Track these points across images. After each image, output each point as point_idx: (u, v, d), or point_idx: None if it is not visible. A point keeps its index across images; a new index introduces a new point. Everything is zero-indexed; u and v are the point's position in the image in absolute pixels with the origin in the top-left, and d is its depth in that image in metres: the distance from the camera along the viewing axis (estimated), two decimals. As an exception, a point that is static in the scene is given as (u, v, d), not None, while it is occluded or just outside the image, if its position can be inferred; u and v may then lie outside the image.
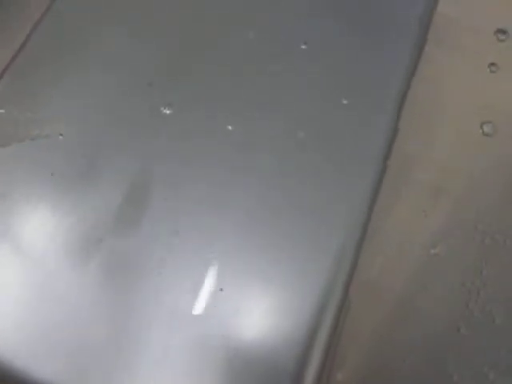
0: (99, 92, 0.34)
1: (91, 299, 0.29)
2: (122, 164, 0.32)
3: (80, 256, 0.30)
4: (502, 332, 0.25)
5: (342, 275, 0.29)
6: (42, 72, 0.35)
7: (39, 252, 0.30)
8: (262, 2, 0.37)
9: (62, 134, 0.33)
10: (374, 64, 0.35)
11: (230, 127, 0.33)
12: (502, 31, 0.37)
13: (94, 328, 0.28)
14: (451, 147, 0.34)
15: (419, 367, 0.27)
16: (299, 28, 0.36)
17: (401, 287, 0.30)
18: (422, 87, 0.35)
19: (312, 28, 0.36)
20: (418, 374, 0.26)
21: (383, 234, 0.31)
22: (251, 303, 0.29)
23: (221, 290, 0.29)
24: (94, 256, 0.30)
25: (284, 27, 0.36)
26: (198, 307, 0.28)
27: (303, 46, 0.35)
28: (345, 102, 0.34)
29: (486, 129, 0.34)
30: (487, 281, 0.27)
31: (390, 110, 0.34)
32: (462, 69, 0.36)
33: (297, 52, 0.35)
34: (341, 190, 0.31)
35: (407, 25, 0.36)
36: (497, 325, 0.26)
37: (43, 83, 0.34)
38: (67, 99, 0.34)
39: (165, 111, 0.34)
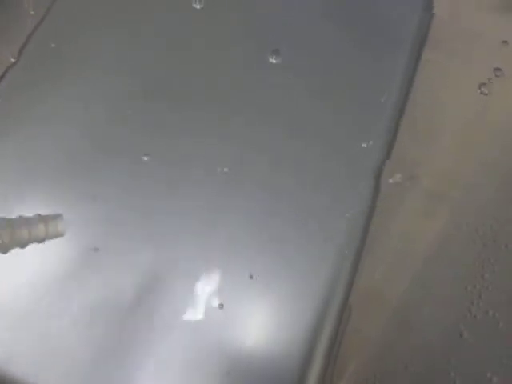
0: (99, 95, 0.35)
1: (90, 312, 0.29)
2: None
3: (77, 269, 0.30)
4: (505, 336, 0.25)
5: (342, 282, 0.29)
6: (41, 73, 0.36)
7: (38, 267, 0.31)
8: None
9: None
10: (372, 69, 0.35)
11: (227, 130, 0.33)
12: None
13: (92, 342, 0.29)
14: (451, 151, 0.33)
15: (421, 373, 0.26)
16: (296, 28, 0.36)
17: (402, 293, 0.30)
18: (421, 91, 0.35)
19: (311, 29, 0.36)
20: (421, 381, 0.26)
21: (383, 240, 0.31)
22: (251, 313, 0.29)
23: (220, 301, 0.29)
24: (92, 267, 0.30)
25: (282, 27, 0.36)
26: (197, 318, 0.29)
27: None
28: (344, 106, 0.34)
29: (488, 131, 0.34)
30: (489, 285, 0.27)
31: (389, 114, 0.34)
32: (463, 72, 0.36)
33: (295, 54, 0.36)
34: (340, 197, 0.31)
35: (406, 29, 0.36)
36: (500, 329, 0.25)
37: (43, 83, 0.35)
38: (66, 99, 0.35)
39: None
